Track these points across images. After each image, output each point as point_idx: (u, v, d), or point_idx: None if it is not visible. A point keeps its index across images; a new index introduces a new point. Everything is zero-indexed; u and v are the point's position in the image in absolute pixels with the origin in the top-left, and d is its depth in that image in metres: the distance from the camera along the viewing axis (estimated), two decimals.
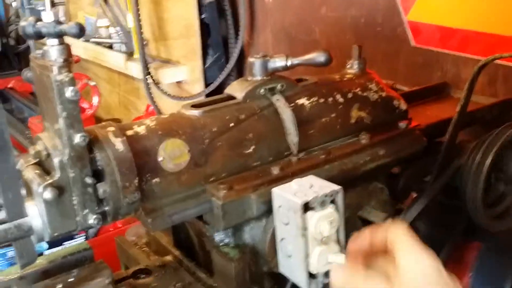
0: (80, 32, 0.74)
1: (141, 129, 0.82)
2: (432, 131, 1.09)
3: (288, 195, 0.79)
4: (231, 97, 0.93)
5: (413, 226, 1.10)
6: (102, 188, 0.75)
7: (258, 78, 0.93)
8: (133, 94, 2.73)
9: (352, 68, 1.10)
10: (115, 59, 2.40)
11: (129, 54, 2.34)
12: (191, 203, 0.83)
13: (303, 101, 0.96)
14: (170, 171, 0.82)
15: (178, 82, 2.27)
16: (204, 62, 2.16)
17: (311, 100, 0.97)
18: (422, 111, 1.25)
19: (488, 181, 1.04)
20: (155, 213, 0.80)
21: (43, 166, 0.76)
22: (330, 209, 0.80)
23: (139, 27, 2.07)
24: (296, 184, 0.82)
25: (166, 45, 2.30)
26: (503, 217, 1.08)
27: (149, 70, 2.14)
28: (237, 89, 0.94)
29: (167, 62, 2.28)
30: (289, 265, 0.83)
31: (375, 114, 1.03)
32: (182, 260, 0.95)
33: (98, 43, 2.59)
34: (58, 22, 0.73)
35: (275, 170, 0.89)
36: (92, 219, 0.74)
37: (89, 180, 0.73)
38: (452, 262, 1.19)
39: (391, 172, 1.09)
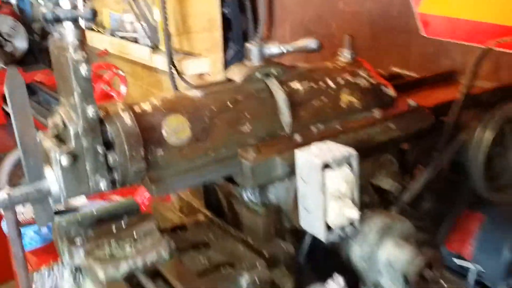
0: (93, 16, 0.83)
1: (147, 107, 0.93)
2: (440, 110, 1.19)
3: (309, 156, 0.91)
4: (230, 80, 1.04)
5: (421, 198, 1.21)
6: (112, 157, 0.85)
7: (255, 63, 1.04)
8: (156, 87, 2.86)
9: (344, 56, 1.18)
10: (140, 52, 2.53)
11: (154, 48, 2.47)
12: (193, 175, 0.93)
13: (296, 85, 1.06)
14: (173, 144, 0.92)
15: (200, 74, 2.40)
16: (225, 55, 2.29)
17: (304, 84, 1.06)
18: (431, 95, 1.35)
19: (490, 156, 1.15)
20: (159, 182, 0.90)
21: (60, 137, 0.86)
22: (346, 169, 0.92)
23: (165, 20, 2.20)
24: (316, 147, 0.94)
25: (189, 39, 2.43)
26: (504, 190, 1.18)
27: (174, 62, 2.27)
28: (235, 73, 1.04)
29: (189, 54, 2.41)
30: (309, 219, 0.94)
31: (364, 99, 1.12)
32: (213, 219, 1.07)
33: (123, 37, 2.73)
34: (74, 7, 0.81)
35: (298, 138, 1.00)
36: (102, 184, 0.84)
37: (100, 149, 0.84)
38: (457, 231, 1.30)
39: (402, 148, 1.20)
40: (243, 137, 0.99)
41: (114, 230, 0.87)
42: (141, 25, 2.56)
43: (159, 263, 0.82)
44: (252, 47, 1.05)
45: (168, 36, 2.19)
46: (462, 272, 1.32)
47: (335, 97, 1.10)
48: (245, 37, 2.27)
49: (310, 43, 1.09)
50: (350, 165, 0.92)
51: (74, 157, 0.82)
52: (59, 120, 0.86)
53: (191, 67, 2.31)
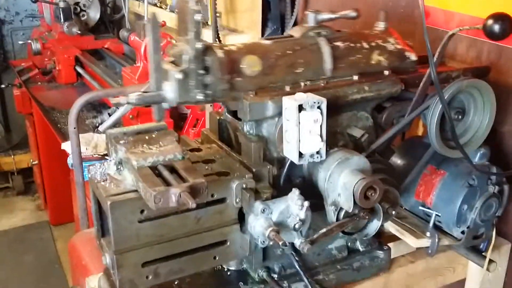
0: None
1: (233, 47, 1.33)
2: (411, 81, 1.48)
3: (290, 100, 1.24)
4: (292, 36, 1.43)
5: (389, 151, 1.51)
6: (208, 78, 1.24)
7: (310, 25, 1.42)
8: None
9: (379, 27, 1.54)
10: None
11: (204, 23, 2.84)
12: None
13: (339, 43, 1.43)
14: (248, 75, 1.30)
15: None
16: (263, 33, 2.62)
17: (345, 43, 1.43)
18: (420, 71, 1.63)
19: (444, 119, 1.42)
20: (236, 99, 1.29)
21: (175, 63, 1.24)
22: (317, 112, 1.24)
23: (214, 0, 2.55)
24: (297, 95, 1.26)
25: (234, 17, 2.78)
26: (457, 148, 1.45)
27: (219, 36, 2.63)
28: (296, 31, 1.43)
29: (234, 31, 2.76)
30: (288, 148, 1.28)
31: (390, 59, 1.48)
32: (222, 146, 1.42)
33: None
34: None
35: (287, 88, 1.33)
36: (201, 96, 1.23)
37: (201, 71, 1.22)
38: (423, 184, 1.59)
39: (380, 106, 1.49)
40: (296, 76, 1.37)
41: (147, 138, 1.24)
42: (201, 1, 2.92)
43: (175, 160, 1.18)
44: (309, 13, 1.44)
45: (215, 13, 2.54)
46: (425, 219, 1.61)
47: (367, 56, 1.46)
48: (282, 18, 2.59)
49: (351, 12, 1.46)
50: (320, 109, 1.24)
51: (185, 74, 1.20)
52: (176, 50, 1.24)
53: (233, 42, 2.66)
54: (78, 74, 3.87)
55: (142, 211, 1.16)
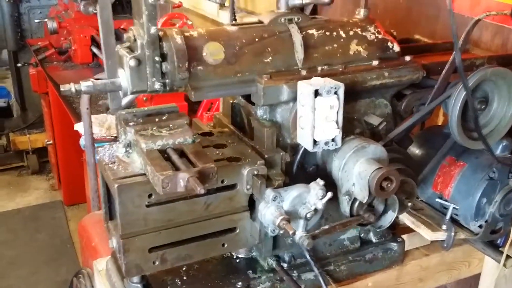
0: None
1: (194, 33, 1.23)
2: (434, 67, 1.42)
3: (306, 84, 1.19)
4: (260, 22, 1.33)
5: (408, 139, 1.46)
6: (165, 65, 1.15)
7: (282, 10, 1.32)
8: None
9: (359, 14, 1.44)
10: (210, 8, 2.85)
11: (222, 5, 2.79)
12: (222, 88, 1.24)
13: (312, 31, 1.33)
14: (210, 63, 1.21)
15: None
16: None
17: (319, 31, 1.34)
18: (437, 57, 1.57)
19: (469, 110, 1.36)
20: (197, 90, 1.21)
21: (131, 48, 1.17)
22: (333, 98, 1.19)
23: None
24: (314, 80, 1.21)
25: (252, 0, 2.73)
26: (479, 140, 1.40)
27: (236, 18, 2.58)
28: (265, 17, 1.33)
29: (251, 13, 2.71)
30: (302, 134, 1.23)
31: (370, 50, 1.37)
32: (234, 131, 1.39)
33: None
34: None
35: (304, 72, 1.28)
36: (157, 85, 1.15)
37: (157, 58, 1.13)
38: (442, 175, 1.54)
39: (400, 94, 1.43)
40: (264, 66, 1.28)
41: (157, 120, 1.20)
42: None
43: (184, 144, 1.15)
44: None
45: None
46: (442, 211, 1.56)
47: (345, 45, 1.36)
48: None
49: None
50: (337, 95, 1.19)
51: (139, 61, 1.13)
52: (131, 35, 1.17)
53: None
54: (94, 55, 3.84)
55: (150, 195, 1.13)
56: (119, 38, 3.52)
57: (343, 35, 1.36)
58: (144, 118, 1.21)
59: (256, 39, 1.27)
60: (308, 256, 1.37)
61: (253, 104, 1.31)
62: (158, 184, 1.03)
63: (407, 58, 1.39)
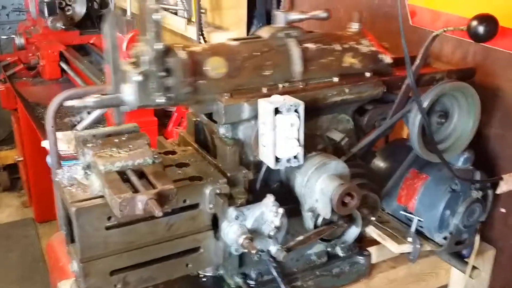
0: None
1: (197, 48, 1.26)
2: (394, 83, 1.44)
3: (266, 103, 1.20)
4: (260, 37, 1.36)
5: (370, 154, 1.47)
6: (169, 80, 1.18)
7: (280, 25, 1.36)
8: None
9: (352, 28, 1.48)
10: (178, 23, 2.85)
11: (189, 20, 2.78)
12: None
13: (310, 45, 1.36)
14: (213, 77, 1.25)
15: None
16: (249, 30, 2.57)
17: (316, 45, 1.37)
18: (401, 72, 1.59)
19: (428, 124, 1.38)
20: (200, 103, 1.25)
21: (135, 64, 1.17)
22: (293, 115, 1.19)
23: None
24: (273, 98, 1.22)
25: (220, 14, 2.73)
26: (438, 152, 1.41)
27: (204, 34, 2.58)
28: (264, 32, 1.37)
29: (219, 28, 2.71)
30: (264, 152, 1.23)
31: (364, 62, 1.42)
32: (198, 149, 1.38)
33: (166, 9, 3.06)
34: None
35: (264, 90, 1.29)
36: (162, 100, 1.17)
37: (162, 73, 1.16)
38: (406, 188, 1.56)
39: (362, 109, 1.44)
40: (264, 79, 1.31)
41: (116, 141, 1.19)
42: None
43: (144, 165, 1.14)
44: (278, 13, 1.39)
45: (199, 10, 2.49)
46: (408, 223, 1.57)
47: (340, 58, 1.40)
48: (268, 16, 2.54)
49: (322, 13, 1.41)
50: (297, 112, 1.20)
51: (145, 76, 1.14)
52: (137, 50, 1.18)
53: (218, 39, 2.61)
54: (63, 70, 3.80)
55: (109, 218, 1.11)
56: (88, 53, 3.48)
57: (339, 48, 1.40)
58: (103, 139, 1.20)
59: (256, 53, 1.31)
60: (275, 273, 1.37)
61: (215, 122, 1.31)
62: (115, 207, 1.02)
63: (367, 74, 1.41)
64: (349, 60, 1.40)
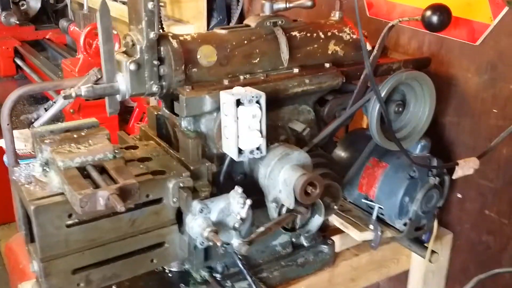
0: None
1: (188, 37, 1.28)
2: (353, 73, 1.46)
3: (227, 95, 1.19)
4: (248, 25, 1.39)
5: (331, 144, 1.49)
6: (162, 69, 1.20)
7: (266, 14, 1.38)
8: None
9: (334, 16, 1.53)
10: None
11: None
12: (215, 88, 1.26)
13: (295, 33, 1.41)
14: (204, 65, 1.27)
15: None
16: (209, 23, 2.56)
17: (301, 33, 1.42)
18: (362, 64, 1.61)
19: (384, 113, 1.41)
20: (193, 90, 1.24)
21: (128, 53, 1.19)
22: (255, 106, 1.20)
23: None
24: (235, 89, 1.22)
25: (179, 7, 2.70)
26: (396, 141, 1.44)
27: (163, 27, 2.54)
28: (252, 20, 1.40)
29: (179, 21, 2.68)
30: (227, 144, 1.23)
31: (346, 49, 1.48)
32: (160, 143, 1.36)
33: (124, 3, 3.00)
34: None
35: (226, 82, 1.29)
36: (155, 88, 1.19)
37: (155, 62, 1.18)
38: (366, 176, 1.59)
39: (322, 99, 1.46)
40: (253, 66, 1.35)
41: (75, 136, 1.16)
42: None
43: (105, 160, 1.12)
44: (265, 2, 1.41)
45: (158, 3, 2.45)
46: (369, 211, 1.60)
47: (324, 45, 1.44)
48: (228, 8, 2.53)
49: (307, 1, 1.44)
50: (259, 104, 1.20)
51: (138, 65, 1.16)
52: (129, 40, 1.18)
53: (178, 32, 2.57)
54: (18, 67, 3.68)
55: (70, 215, 1.09)
56: (44, 49, 3.38)
57: (322, 36, 1.45)
58: (61, 135, 1.17)
59: (245, 41, 1.34)
60: (240, 265, 1.38)
61: (177, 115, 1.30)
62: (76, 203, 1.00)
63: (327, 65, 1.43)
64: (332, 47, 1.46)
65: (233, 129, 1.19)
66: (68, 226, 1.10)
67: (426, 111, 1.46)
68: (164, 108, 1.37)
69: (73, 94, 1.16)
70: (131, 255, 1.20)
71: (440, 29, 1.43)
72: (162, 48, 1.20)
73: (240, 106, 1.18)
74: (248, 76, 1.33)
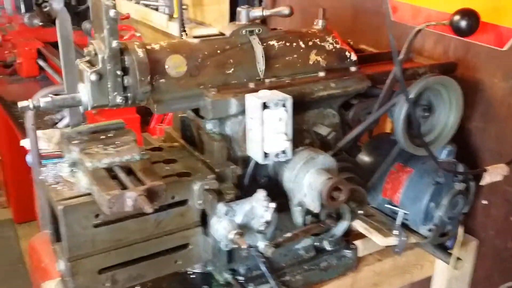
0: None
1: (156, 46, 1.22)
2: (379, 77, 1.45)
3: (254, 98, 1.19)
4: (222, 34, 1.33)
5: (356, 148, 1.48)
6: (126, 79, 1.14)
7: (243, 22, 1.33)
8: None
9: (318, 25, 1.46)
10: (159, 19, 2.82)
11: (171, 16, 2.76)
12: (185, 101, 1.23)
13: (273, 42, 1.34)
14: (173, 76, 1.21)
15: None
16: None
17: (279, 42, 1.35)
18: (383, 66, 1.61)
19: (414, 117, 1.40)
20: (160, 103, 1.20)
21: (91, 63, 1.15)
22: (282, 110, 1.19)
23: None
24: (261, 93, 1.22)
25: (202, 10, 2.72)
26: (424, 146, 1.43)
27: (185, 29, 2.56)
28: (227, 29, 1.34)
29: (201, 24, 2.70)
30: (252, 147, 1.23)
31: (329, 60, 1.40)
32: (184, 145, 1.37)
33: (147, 5, 3.03)
34: None
35: (252, 85, 1.29)
36: (119, 100, 1.14)
37: (119, 72, 1.12)
38: (391, 181, 1.57)
39: (347, 103, 1.45)
40: (226, 77, 1.28)
41: (103, 137, 1.17)
42: None
43: (132, 161, 1.12)
44: (241, 10, 1.36)
45: (181, 5, 2.47)
46: (393, 216, 1.59)
47: (305, 56, 1.38)
48: None
49: (284, 9, 1.38)
50: (285, 107, 1.20)
51: (100, 75, 1.11)
52: (92, 49, 1.14)
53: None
54: (41, 68, 3.73)
55: (97, 216, 1.10)
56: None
57: (303, 46, 1.39)
58: (89, 136, 1.18)
59: (218, 51, 1.28)
60: (264, 268, 1.37)
61: (202, 118, 1.30)
62: (104, 204, 1.00)
63: (353, 68, 1.42)
64: (314, 57, 1.39)
65: (258, 132, 1.19)
66: (95, 226, 1.11)
67: (453, 116, 1.45)
68: (189, 111, 1.38)
69: (31, 106, 1.10)
70: (156, 256, 1.21)
71: (468, 34, 1.41)
72: (126, 58, 1.13)
73: (266, 109, 1.18)
74: (273, 79, 1.33)
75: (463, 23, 1.39)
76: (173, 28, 2.69)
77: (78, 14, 4.54)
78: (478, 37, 1.59)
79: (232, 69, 1.28)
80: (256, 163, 1.26)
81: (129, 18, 2.98)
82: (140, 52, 1.16)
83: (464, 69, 1.66)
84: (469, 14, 1.39)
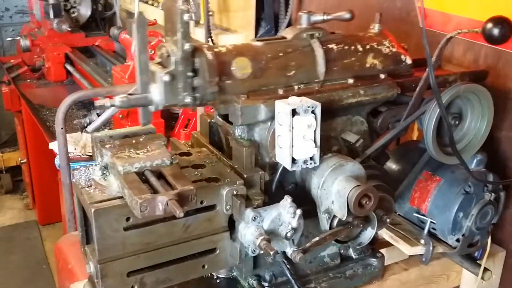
0: None
1: (223, 49, 1.28)
2: (408, 84, 1.44)
3: (283, 104, 1.20)
4: (284, 37, 1.37)
5: (384, 155, 1.47)
6: (196, 80, 1.19)
7: (303, 26, 1.36)
8: None
9: (374, 29, 1.50)
10: None
11: (197, 22, 2.78)
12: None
13: (332, 45, 1.38)
14: (238, 77, 1.26)
15: None
16: (257, 32, 2.58)
17: (338, 46, 1.39)
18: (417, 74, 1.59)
19: (444, 125, 1.39)
20: (226, 103, 1.25)
21: (162, 65, 1.19)
22: (310, 116, 1.20)
23: None
24: (291, 99, 1.22)
25: (227, 16, 2.73)
26: (454, 155, 1.42)
27: (212, 36, 2.58)
28: (288, 32, 1.38)
29: (227, 30, 2.71)
30: (281, 153, 1.24)
31: (385, 63, 1.44)
32: (213, 151, 1.38)
33: None
34: None
35: (281, 92, 1.29)
36: (188, 99, 1.18)
37: (189, 73, 1.17)
38: (419, 190, 1.56)
39: (376, 111, 1.45)
40: (288, 79, 1.32)
41: (134, 142, 1.19)
42: (189, 2, 2.87)
43: (162, 166, 1.14)
44: (303, 14, 1.39)
45: (207, 12, 2.50)
46: (420, 225, 1.57)
47: (362, 58, 1.41)
48: (276, 18, 2.54)
49: (345, 14, 1.41)
50: (314, 114, 1.20)
51: (173, 76, 1.15)
52: (164, 51, 1.18)
53: (226, 41, 2.61)
54: (68, 72, 3.80)
55: (127, 219, 1.11)
56: (93, 55, 3.48)
57: (360, 49, 1.42)
58: (120, 140, 1.20)
59: (281, 54, 1.32)
60: (289, 274, 1.37)
61: (231, 123, 1.31)
62: (136, 207, 1.02)
63: (382, 76, 1.41)
64: (371, 60, 1.43)
65: (287, 139, 1.20)
66: (125, 229, 1.13)
67: (484, 125, 1.43)
68: (217, 116, 1.39)
69: (108, 104, 1.15)
70: (184, 260, 1.22)
71: (501, 42, 1.39)
72: (196, 60, 1.18)
73: (295, 116, 1.18)
74: (302, 86, 1.33)
75: (496, 31, 1.37)
76: (199, 34, 2.71)
77: (105, 20, 4.62)
78: (510, 45, 1.57)
79: (293, 71, 1.32)
80: (284, 170, 1.26)
81: (156, 24, 3.01)
82: (210, 55, 1.21)
83: (495, 77, 1.64)
84: (502, 22, 1.37)
